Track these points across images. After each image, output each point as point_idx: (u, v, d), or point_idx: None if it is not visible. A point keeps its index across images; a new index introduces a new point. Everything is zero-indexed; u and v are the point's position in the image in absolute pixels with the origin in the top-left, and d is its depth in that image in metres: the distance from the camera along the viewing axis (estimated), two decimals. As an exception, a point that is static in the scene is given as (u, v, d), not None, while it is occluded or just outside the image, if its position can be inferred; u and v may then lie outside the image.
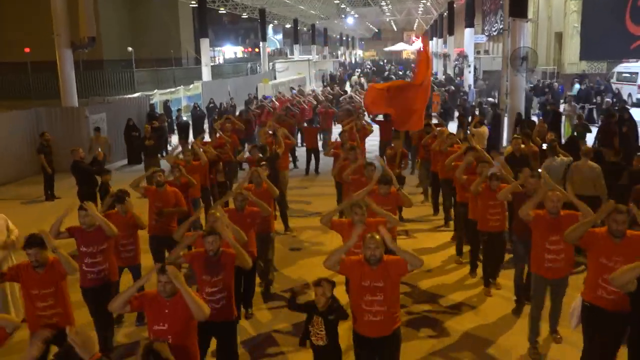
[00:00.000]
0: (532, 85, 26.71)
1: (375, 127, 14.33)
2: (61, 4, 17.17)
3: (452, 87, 26.99)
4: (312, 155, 15.40)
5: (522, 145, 9.50)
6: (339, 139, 11.99)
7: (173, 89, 25.52)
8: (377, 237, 4.72)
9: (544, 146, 10.34)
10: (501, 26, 22.14)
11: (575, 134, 13.42)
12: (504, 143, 15.75)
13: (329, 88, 29.01)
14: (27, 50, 28.84)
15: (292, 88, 29.38)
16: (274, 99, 22.77)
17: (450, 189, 9.58)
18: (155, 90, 23.95)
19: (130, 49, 30.01)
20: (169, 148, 17.92)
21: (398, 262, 4.75)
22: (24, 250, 5.15)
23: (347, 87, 32.71)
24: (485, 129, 13.38)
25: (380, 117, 14.74)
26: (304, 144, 16.25)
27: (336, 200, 10.71)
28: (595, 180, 8.43)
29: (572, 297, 5.79)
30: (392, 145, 10.83)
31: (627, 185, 8.00)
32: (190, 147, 9.96)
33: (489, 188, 7.31)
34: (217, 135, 12.30)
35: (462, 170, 7.94)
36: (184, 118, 20.73)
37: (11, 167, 14.97)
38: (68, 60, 17.51)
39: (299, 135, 17.56)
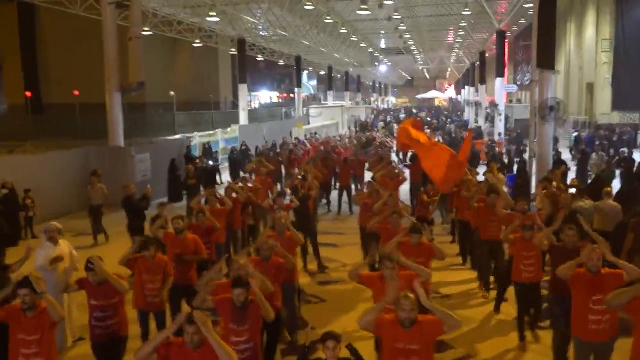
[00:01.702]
0: (575, 135, 26.95)
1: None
2: (114, 51, 18.42)
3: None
4: (345, 192, 15.91)
5: (545, 191, 9.90)
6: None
7: (212, 132, 26.64)
8: (412, 296, 4.48)
9: (572, 190, 10.73)
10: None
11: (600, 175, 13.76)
12: (532, 190, 16.11)
13: (360, 136, 29.80)
14: (76, 93, 30.55)
15: (315, 133, 30.38)
16: (306, 143, 23.63)
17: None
18: (195, 133, 25.07)
19: (172, 93, 31.48)
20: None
21: (433, 323, 4.48)
22: (16, 290, 5.05)
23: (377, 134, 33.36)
24: (502, 177, 13.71)
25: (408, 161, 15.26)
26: (338, 184, 16.81)
27: (361, 247, 10.62)
28: (616, 219, 8.89)
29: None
30: (425, 189, 11.13)
31: (626, 224, 8.40)
32: (214, 193, 9.87)
33: (523, 238, 7.13)
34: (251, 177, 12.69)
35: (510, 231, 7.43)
36: (211, 163, 21.45)
37: (62, 202, 15.93)
38: (117, 103, 18.62)
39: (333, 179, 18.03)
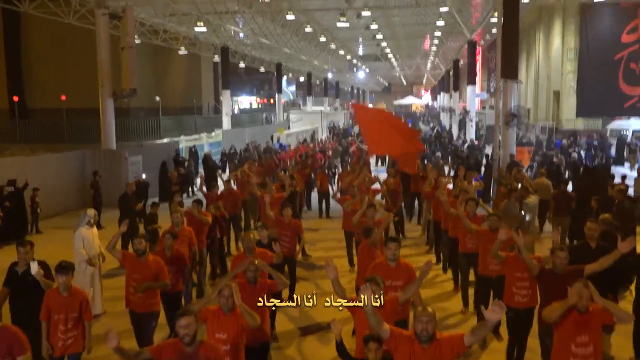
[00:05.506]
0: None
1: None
2: (106, 59, 19.49)
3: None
4: (324, 198, 17.03)
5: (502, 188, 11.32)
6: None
7: (197, 136, 27.72)
8: (430, 310, 4.22)
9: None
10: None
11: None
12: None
13: (343, 141, 31.28)
14: (63, 97, 31.25)
15: (304, 140, 31.76)
16: (289, 148, 24.94)
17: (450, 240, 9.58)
18: (181, 137, 26.13)
19: (157, 98, 32.46)
20: (196, 189, 19.98)
21: (453, 339, 4.19)
22: None
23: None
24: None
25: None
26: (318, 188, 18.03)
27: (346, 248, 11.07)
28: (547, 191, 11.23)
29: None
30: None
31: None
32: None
33: (517, 258, 6.25)
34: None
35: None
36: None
37: (61, 200, 17.01)
38: (109, 108, 19.74)
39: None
